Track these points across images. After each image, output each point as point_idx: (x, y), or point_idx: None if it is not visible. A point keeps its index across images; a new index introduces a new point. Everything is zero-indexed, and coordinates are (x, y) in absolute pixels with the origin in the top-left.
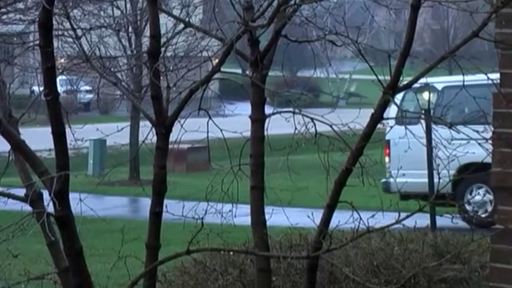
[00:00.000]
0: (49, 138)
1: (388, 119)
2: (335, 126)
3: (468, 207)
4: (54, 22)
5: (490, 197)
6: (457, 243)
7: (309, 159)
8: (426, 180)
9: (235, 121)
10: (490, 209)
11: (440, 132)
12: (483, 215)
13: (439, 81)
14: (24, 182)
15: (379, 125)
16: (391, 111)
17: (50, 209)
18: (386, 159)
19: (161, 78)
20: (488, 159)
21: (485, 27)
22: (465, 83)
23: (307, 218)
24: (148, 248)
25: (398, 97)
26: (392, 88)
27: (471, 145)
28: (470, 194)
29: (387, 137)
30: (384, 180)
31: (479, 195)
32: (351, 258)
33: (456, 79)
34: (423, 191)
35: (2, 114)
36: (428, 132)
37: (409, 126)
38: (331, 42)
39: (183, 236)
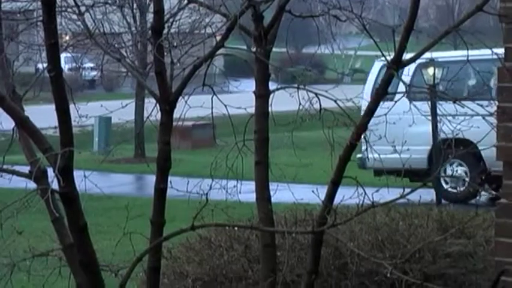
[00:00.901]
0: (54, 116)
1: (392, 93)
2: (339, 102)
3: (443, 183)
4: None
5: (464, 169)
6: (462, 218)
7: (314, 135)
8: (403, 156)
9: (239, 97)
10: (461, 187)
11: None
12: (453, 191)
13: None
14: (29, 159)
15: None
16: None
17: (55, 185)
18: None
19: (165, 54)
20: (464, 135)
21: (489, 1)
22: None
23: (312, 194)
24: (153, 224)
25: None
26: (396, 63)
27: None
28: (447, 168)
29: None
30: (359, 156)
31: (456, 171)
32: (355, 234)
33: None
34: (398, 166)
35: (5, 91)
36: (433, 107)
37: (386, 103)
38: (336, 17)
39: (187, 212)
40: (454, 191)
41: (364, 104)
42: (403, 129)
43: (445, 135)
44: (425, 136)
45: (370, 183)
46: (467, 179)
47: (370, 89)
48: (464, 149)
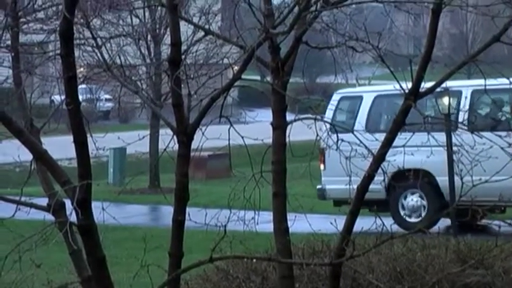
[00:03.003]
0: (69, 147)
1: (410, 124)
2: (356, 132)
3: (402, 212)
4: (74, 31)
5: (423, 202)
6: (480, 249)
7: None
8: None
9: (256, 128)
10: (423, 214)
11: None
12: (415, 220)
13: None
14: (47, 191)
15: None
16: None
17: (73, 218)
18: (322, 166)
19: (182, 85)
20: (422, 166)
21: (506, 31)
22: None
23: (329, 225)
24: (171, 256)
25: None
26: (414, 93)
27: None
28: (405, 199)
29: (322, 145)
30: (319, 187)
31: (413, 200)
32: (373, 265)
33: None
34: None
35: (23, 124)
36: (448, 136)
37: (343, 135)
38: (352, 48)
39: (205, 243)
40: (412, 220)
41: (323, 138)
42: (359, 161)
43: (402, 166)
44: (382, 166)
45: (387, 214)
46: (425, 209)
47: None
48: (423, 179)
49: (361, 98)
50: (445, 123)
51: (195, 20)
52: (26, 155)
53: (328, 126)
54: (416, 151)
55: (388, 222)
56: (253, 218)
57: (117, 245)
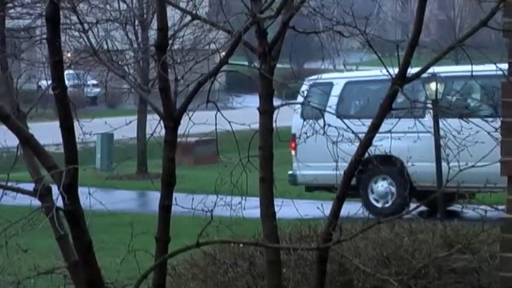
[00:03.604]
0: (56, 133)
1: (396, 109)
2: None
3: (371, 198)
4: (61, 16)
5: (392, 188)
6: (467, 234)
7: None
8: (331, 172)
9: (243, 113)
10: (390, 200)
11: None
12: (384, 206)
13: (342, 76)
14: (33, 176)
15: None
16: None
17: (59, 203)
18: (293, 152)
19: (169, 71)
20: (391, 152)
21: (493, 16)
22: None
23: (316, 210)
24: (158, 241)
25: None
26: (401, 79)
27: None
28: (374, 185)
29: (293, 131)
30: (290, 172)
31: (382, 186)
32: (360, 250)
33: (359, 74)
34: (328, 182)
35: (10, 109)
36: (436, 122)
37: (312, 121)
38: (339, 33)
39: (192, 229)
40: (382, 206)
41: (295, 124)
42: (333, 146)
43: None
44: (353, 153)
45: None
46: (393, 195)
47: (299, 110)
48: (391, 165)
49: (331, 84)
50: (432, 109)
51: (183, 5)
52: (13, 141)
53: (299, 111)
54: (385, 137)
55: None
56: (240, 203)
57: (104, 231)
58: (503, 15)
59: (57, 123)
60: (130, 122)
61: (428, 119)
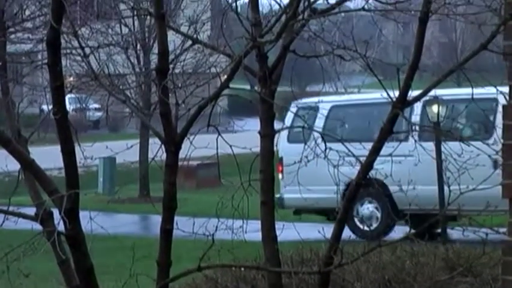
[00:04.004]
0: (59, 157)
1: (398, 132)
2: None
3: (357, 221)
4: (62, 41)
5: (377, 211)
6: (469, 256)
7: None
8: (318, 195)
9: (244, 137)
10: (375, 223)
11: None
12: (367, 228)
13: (329, 100)
14: (34, 200)
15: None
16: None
17: (61, 227)
18: (280, 176)
19: (170, 95)
20: (376, 176)
21: (493, 39)
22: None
23: (317, 233)
24: (159, 265)
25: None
26: (401, 102)
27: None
28: (360, 207)
29: (280, 155)
30: (277, 196)
31: (368, 209)
32: (362, 273)
33: (344, 98)
34: (315, 205)
35: (11, 134)
36: (438, 144)
37: (298, 144)
38: (340, 56)
39: (194, 252)
40: (366, 228)
41: (282, 147)
42: (319, 170)
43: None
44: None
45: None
46: (378, 217)
47: (286, 132)
48: (377, 188)
49: (317, 108)
50: (435, 132)
51: (184, 29)
52: (15, 165)
53: (285, 135)
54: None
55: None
56: (242, 226)
57: (106, 254)
58: (504, 39)
59: (59, 147)
60: (131, 146)
61: (411, 143)
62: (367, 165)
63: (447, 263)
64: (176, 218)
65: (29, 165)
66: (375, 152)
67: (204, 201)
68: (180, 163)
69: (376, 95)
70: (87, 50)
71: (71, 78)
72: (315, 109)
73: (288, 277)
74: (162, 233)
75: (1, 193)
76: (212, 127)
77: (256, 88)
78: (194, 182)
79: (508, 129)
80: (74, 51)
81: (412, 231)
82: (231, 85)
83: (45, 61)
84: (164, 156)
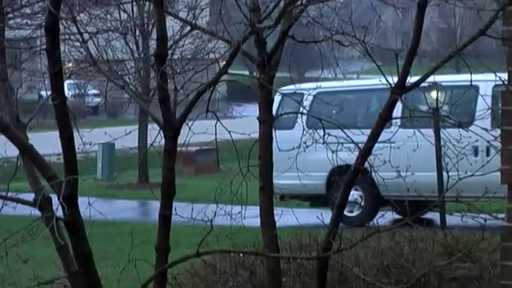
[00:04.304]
0: (57, 143)
1: (396, 118)
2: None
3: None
4: (61, 26)
5: (360, 198)
6: (467, 242)
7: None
8: (303, 182)
9: (243, 123)
10: (356, 211)
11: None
12: (353, 214)
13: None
14: (33, 186)
15: None
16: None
17: (59, 213)
18: None
19: (168, 80)
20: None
21: (492, 25)
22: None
23: (316, 219)
24: (158, 250)
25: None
26: (400, 87)
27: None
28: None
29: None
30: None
31: (351, 195)
32: (360, 258)
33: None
34: (299, 191)
35: (9, 119)
36: (437, 131)
37: (283, 131)
38: (338, 42)
39: (192, 238)
40: (350, 214)
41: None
42: (304, 156)
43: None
44: (323, 163)
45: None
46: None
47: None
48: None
49: (302, 95)
50: (434, 118)
51: (183, 14)
52: (14, 151)
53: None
54: (354, 148)
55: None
56: (240, 212)
57: (105, 240)
58: (503, 24)
59: (57, 133)
60: (130, 132)
61: (394, 130)
62: (366, 151)
63: (446, 248)
64: (175, 204)
65: (27, 151)
66: (374, 138)
67: (202, 186)
68: (178, 149)
69: (360, 82)
70: (86, 36)
71: (70, 64)
72: (299, 96)
73: (286, 262)
74: (161, 219)
75: (0, 179)
76: (211, 113)
77: (254, 74)
78: (193, 167)
79: (507, 114)
80: (72, 37)
81: (415, 215)
82: (229, 71)
83: (44, 47)
84: (163, 142)
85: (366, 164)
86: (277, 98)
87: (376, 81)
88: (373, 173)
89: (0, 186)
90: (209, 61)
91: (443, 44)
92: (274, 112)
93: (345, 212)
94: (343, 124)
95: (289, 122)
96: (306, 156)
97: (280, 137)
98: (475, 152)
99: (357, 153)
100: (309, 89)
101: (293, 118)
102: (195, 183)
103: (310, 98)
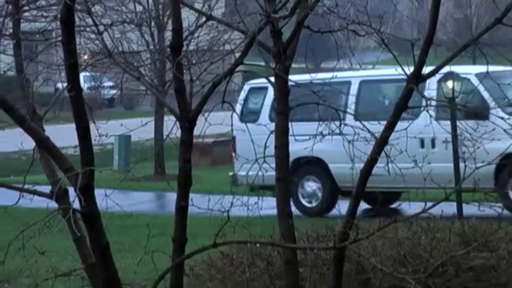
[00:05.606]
0: (74, 135)
1: (412, 107)
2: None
3: (300, 197)
4: (76, 18)
5: (319, 189)
6: (484, 231)
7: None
8: (270, 173)
9: None
10: (315, 202)
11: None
12: (312, 205)
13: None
14: (50, 178)
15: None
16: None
17: (76, 205)
18: (233, 154)
19: (184, 72)
20: (316, 154)
21: (508, 13)
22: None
23: (333, 209)
24: (174, 242)
25: None
26: (416, 77)
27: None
28: (303, 185)
29: (233, 134)
30: (231, 173)
31: (310, 187)
32: (377, 248)
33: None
34: (267, 183)
35: (26, 112)
36: (453, 120)
37: (250, 124)
38: (354, 32)
39: (209, 229)
40: (309, 205)
41: (235, 127)
42: (268, 149)
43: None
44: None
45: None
46: (319, 194)
47: (239, 112)
48: (315, 165)
49: (266, 88)
50: (450, 108)
51: (198, 5)
52: (30, 143)
53: (237, 114)
54: (309, 140)
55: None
56: (257, 203)
57: (122, 232)
58: None
59: (74, 125)
60: (146, 123)
61: (350, 122)
62: (382, 141)
63: (463, 238)
64: (191, 195)
65: (43, 143)
66: (390, 128)
67: (219, 178)
68: (195, 140)
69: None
70: (101, 28)
71: (86, 56)
72: (264, 89)
73: (303, 253)
74: (178, 210)
75: (18, 171)
76: (227, 104)
77: (270, 64)
78: (210, 159)
79: None
80: (88, 29)
81: (428, 205)
82: (245, 62)
83: (59, 39)
84: (179, 133)
85: (322, 156)
86: (245, 89)
87: (345, 73)
88: (329, 165)
89: (17, 179)
90: (225, 52)
91: (459, 34)
92: (242, 103)
93: (305, 203)
94: (309, 117)
95: (254, 115)
96: (269, 149)
97: (247, 129)
98: (422, 144)
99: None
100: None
101: (258, 111)
102: (212, 175)
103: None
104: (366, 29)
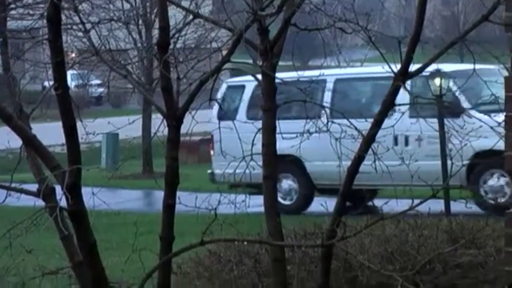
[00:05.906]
0: (61, 133)
1: (399, 105)
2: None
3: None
4: (62, 16)
5: (294, 186)
6: (472, 229)
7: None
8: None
9: None
10: (291, 199)
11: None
12: (288, 203)
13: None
14: (37, 177)
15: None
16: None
17: (63, 203)
18: (212, 152)
19: (171, 70)
20: (291, 152)
21: (495, 10)
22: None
23: (320, 207)
24: (162, 240)
25: None
26: (403, 74)
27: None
28: (280, 181)
29: (212, 132)
30: (209, 171)
31: (286, 184)
32: (365, 246)
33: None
34: (245, 180)
35: (12, 110)
36: (440, 118)
37: (228, 122)
38: (341, 29)
39: (196, 227)
40: (286, 203)
41: (212, 126)
42: (245, 146)
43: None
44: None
45: (378, 195)
46: (296, 192)
47: (217, 110)
48: (291, 163)
49: (243, 87)
50: (437, 105)
51: (186, 3)
52: (17, 141)
53: (215, 113)
54: (285, 138)
55: (378, 204)
56: (244, 201)
57: (109, 230)
58: (505, 10)
59: (61, 123)
60: (133, 121)
61: (324, 119)
62: (369, 138)
63: (450, 235)
64: (179, 193)
65: (30, 141)
66: (377, 125)
67: (206, 176)
68: (182, 138)
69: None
70: (88, 26)
71: (73, 55)
72: (241, 88)
73: (291, 251)
74: (165, 208)
75: (4, 169)
76: (214, 102)
77: (257, 62)
78: (197, 157)
79: (510, 100)
80: (74, 27)
81: (416, 202)
82: (233, 59)
83: (46, 37)
84: (166, 131)
85: (297, 154)
86: (222, 88)
87: (307, 72)
88: (305, 163)
89: (4, 177)
90: (212, 50)
91: (446, 31)
92: (219, 101)
93: (281, 201)
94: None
95: (231, 113)
96: (247, 147)
97: (224, 127)
98: (395, 141)
99: (287, 142)
100: (252, 81)
101: (236, 109)
102: (199, 173)
103: (251, 89)
104: (353, 27)
